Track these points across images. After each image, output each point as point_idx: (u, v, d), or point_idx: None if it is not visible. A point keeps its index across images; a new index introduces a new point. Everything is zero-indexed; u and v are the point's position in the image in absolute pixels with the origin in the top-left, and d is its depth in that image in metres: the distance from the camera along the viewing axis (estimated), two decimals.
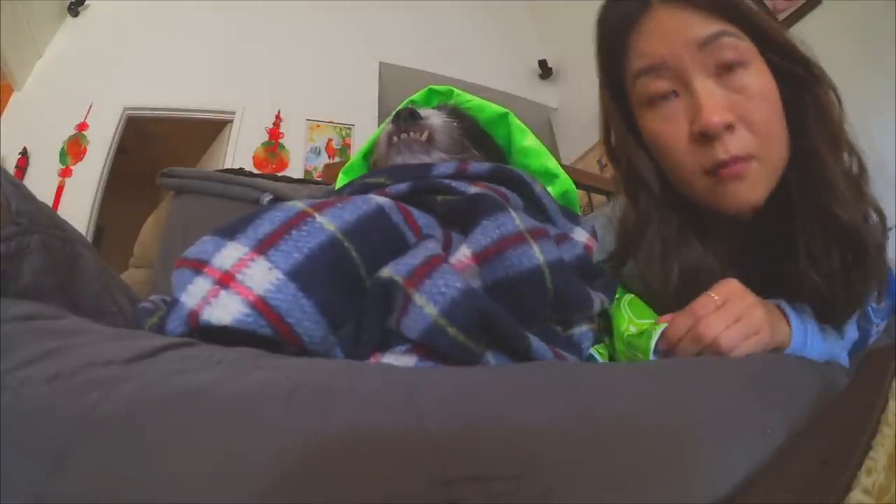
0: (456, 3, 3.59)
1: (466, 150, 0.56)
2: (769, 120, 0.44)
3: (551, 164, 0.58)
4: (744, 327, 0.40)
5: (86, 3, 2.84)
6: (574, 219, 0.52)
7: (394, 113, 0.57)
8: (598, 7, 0.50)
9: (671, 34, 0.43)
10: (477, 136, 0.59)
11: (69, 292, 0.39)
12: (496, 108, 0.61)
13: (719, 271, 0.48)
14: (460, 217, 0.40)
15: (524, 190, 0.48)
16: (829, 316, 0.48)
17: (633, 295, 0.51)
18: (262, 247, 0.31)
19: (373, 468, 0.18)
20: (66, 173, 2.55)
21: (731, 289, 0.42)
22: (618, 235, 0.53)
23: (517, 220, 0.38)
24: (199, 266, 0.32)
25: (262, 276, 0.30)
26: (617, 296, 0.51)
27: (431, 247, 0.36)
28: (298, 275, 0.30)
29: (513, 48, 3.69)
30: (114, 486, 0.16)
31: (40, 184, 2.36)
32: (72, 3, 2.80)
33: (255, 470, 0.17)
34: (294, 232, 0.32)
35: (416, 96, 0.65)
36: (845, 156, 0.47)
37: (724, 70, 0.43)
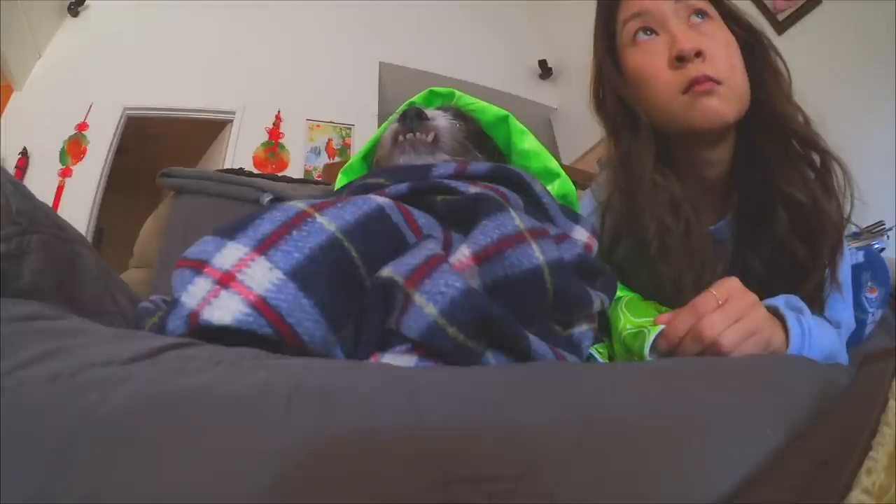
0: (456, 3, 3.59)
1: (469, 152, 0.57)
2: (731, 60, 0.53)
3: (552, 164, 0.58)
4: (744, 326, 0.42)
5: (86, 3, 2.84)
6: (574, 218, 0.53)
7: (397, 112, 0.57)
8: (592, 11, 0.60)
9: None
10: (479, 138, 0.60)
11: (69, 292, 0.39)
12: (497, 111, 0.61)
13: (700, 221, 0.55)
14: (460, 217, 0.40)
15: (524, 189, 0.48)
16: (807, 274, 0.54)
17: (631, 295, 0.52)
18: (263, 246, 0.31)
19: (372, 468, 0.18)
20: (66, 173, 2.55)
21: (731, 287, 0.44)
22: (610, 215, 0.60)
23: (517, 219, 0.37)
24: (199, 266, 0.32)
25: (263, 276, 0.30)
26: (619, 295, 0.51)
27: (431, 246, 0.36)
28: (299, 274, 0.30)
29: (513, 48, 3.69)
30: (114, 487, 0.16)
31: (40, 184, 2.36)
32: (72, 3, 2.80)
33: (255, 470, 0.17)
34: (294, 232, 0.32)
35: (416, 98, 0.65)
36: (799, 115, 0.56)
37: (695, 18, 0.53)
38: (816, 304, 0.55)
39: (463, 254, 0.37)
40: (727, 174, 0.59)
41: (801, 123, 0.55)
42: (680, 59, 0.51)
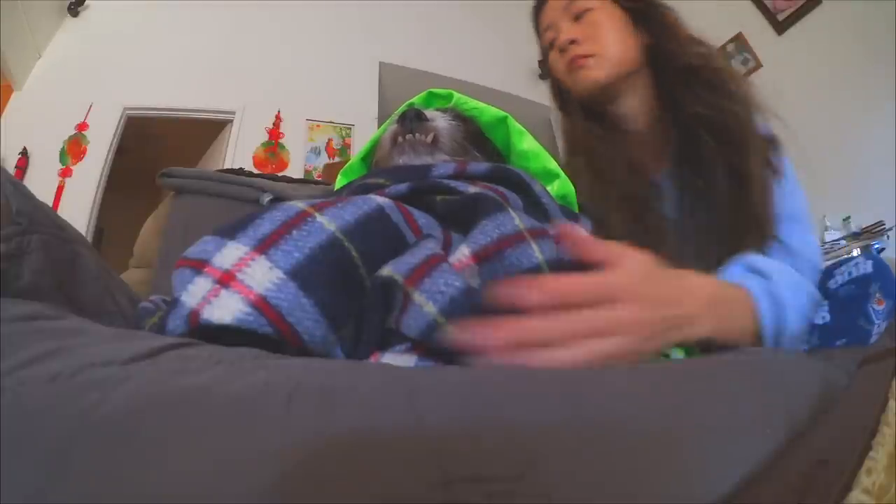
0: (456, 3, 3.59)
1: (469, 153, 0.57)
2: (607, 36, 0.69)
3: (551, 165, 0.58)
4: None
5: (86, 3, 2.84)
6: (574, 218, 0.53)
7: (397, 113, 0.57)
8: None
9: (550, 8, 0.75)
10: (478, 139, 0.60)
11: (69, 292, 0.39)
12: (495, 112, 0.61)
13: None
14: (460, 217, 0.40)
15: (524, 189, 0.48)
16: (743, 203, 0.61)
17: None
18: (263, 246, 0.31)
19: (372, 469, 0.18)
20: (66, 173, 2.55)
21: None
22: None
23: (517, 219, 0.37)
24: (199, 266, 0.32)
25: (263, 276, 0.30)
26: None
27: (431, 246, 0.36)
28: (299, 274, 0.30)
29: (513, 48, 3.69)
30: (114, 487, 0.16)
31: (40, 184, 2.37)
32: (72, 3, 2.80)
33: (254, 470, 0.17)
34: (294, 231, 0.32)
35: (415, 99, 0.65)
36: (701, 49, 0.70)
37: (578, 17, 0.71)
38: (767, 231, 0.61)
39: (463, 253, 0.37)
40: (658, 125, 0.71)
41: (694, 54, 0.67)
42: (562, 50, 0.71)
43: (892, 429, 0.22)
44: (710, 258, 0.58)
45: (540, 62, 0.91)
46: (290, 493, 0.16)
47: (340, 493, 0.17)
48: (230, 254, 0.31)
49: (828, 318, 0.59)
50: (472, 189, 0.42)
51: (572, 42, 0.70)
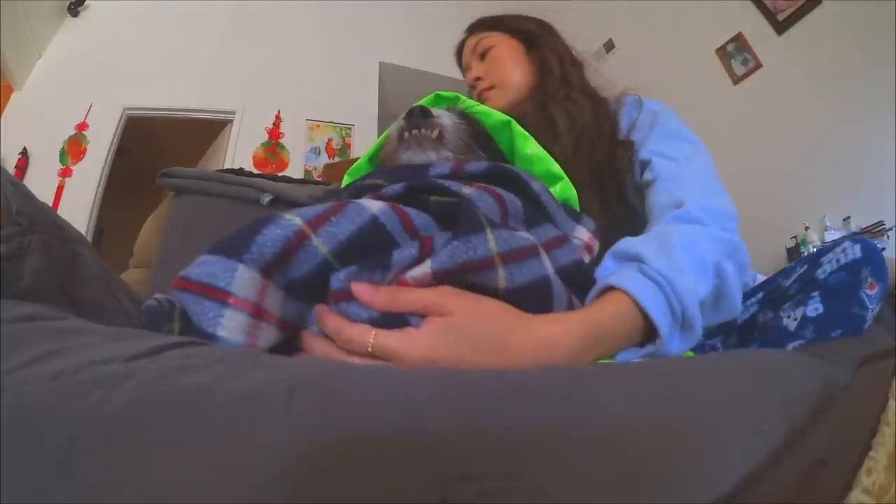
0: (456, 4, 3.59)
1: (473, 151, 0.57)
2: (506, 68, 0.81)
3: (554, 168, 0.58)
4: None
5: (86, 3, 2.85)
6: (576, 217, 0.53)
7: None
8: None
9: (466, 50, 0.89)
10: (483, 138, 0.60)
11: (70, 292, 0.39)
12: (500, 116, 0.62)
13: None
14: (452, 218, 0.41)
15: (522, 188, 0.48)
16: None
17: None
18: (269, 271, 0.34)
19: (369, 466, 0.18)
20: (66, 173, 2.56)
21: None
22: None
23: (491, 241, 0.37)
24: (216, 294, 0.33)
25: (280, 304, 0.36)
26: None
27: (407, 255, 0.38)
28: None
29: None
30: (116, 485, 0.16)
31: (40, 184, 2.37)
32: (72, 3, 2.80)
33: (255, 467, 0.17)
34: (293, 257, 0.35)
35: (423, 101, 0.65)
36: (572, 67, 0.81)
37: (482, 55, 0.85)
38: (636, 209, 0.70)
39: (424, 271, 0.37)
40: (547, 127, 0.79)
41: (549, 78, 0.79)
42: (472, 87, 0.86)
43: (892, 429, 0.22)
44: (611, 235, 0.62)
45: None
46: (289, 489, 0.16)
47: (338, 491, 0.17)
48: (247, 282, 0.34)
49: (821, 308, 0.58)
50: (465, 190, 0.42)
51: (478, 79, 0.84)
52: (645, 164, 0.70)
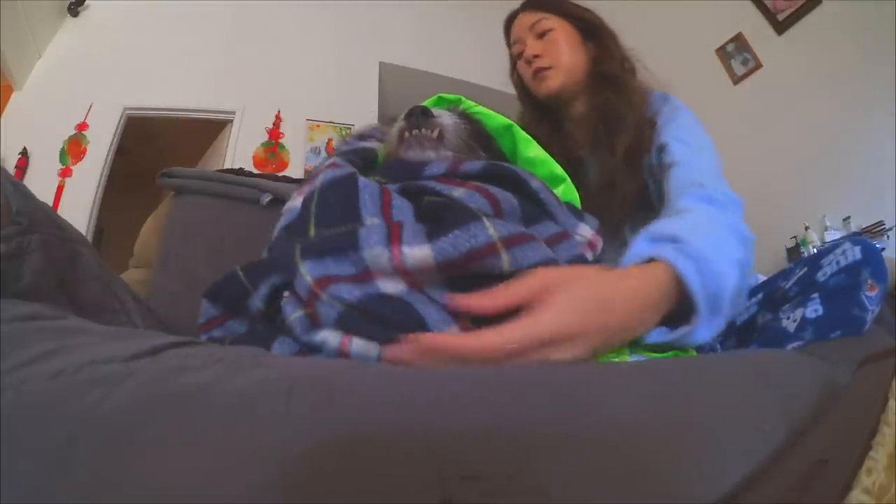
0: (456, 3, 3.59)
1: (474, 151, 0.57)
2: (562, 50, 0.87)
3: (557, 170, 0.58)
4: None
5: (86, 3, 2.84)
6: (579, 215, 0.53)
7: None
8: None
9: (519, 25, 0.92)
10: (484, 139, 0.60)
11: (70, 291, 0.39)
12: (502, 120, 0.62)
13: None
14: (440, 216, 0.41)
15: (519, 186, 0.48)
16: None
17: None
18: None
19: (370, 466, 0.18)
20: (66, 173, 2.55)
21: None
22: None
23: (490, 228, 0.38)
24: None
25: None
26: None
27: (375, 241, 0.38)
28: None
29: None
30: (116, 484, 0.16)
31: (40, 184, 2.36)
32: (72, 3, 2.80)
33: (254, 466, 0.17)
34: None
35: (426, 102, 0.65)
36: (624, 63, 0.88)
37: (541, 35, 0.89)
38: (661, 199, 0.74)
39: (426, 260, 0.37)
40: (586, 115, 0.88)
41: (613, 66, 0.86)
42: (528, 61, 0.89)
43: (892, 429, 0.22)
44: (623, 216, 0.79)
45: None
46: (289, 489, 0.16)
47: (338, 490, 0.17)
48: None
49: (820, 310, 0.58)
50: (457, 192, 0.43)
51: (536, 56, 0.88)
52: (662, 147, 0.77)
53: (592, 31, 0.90)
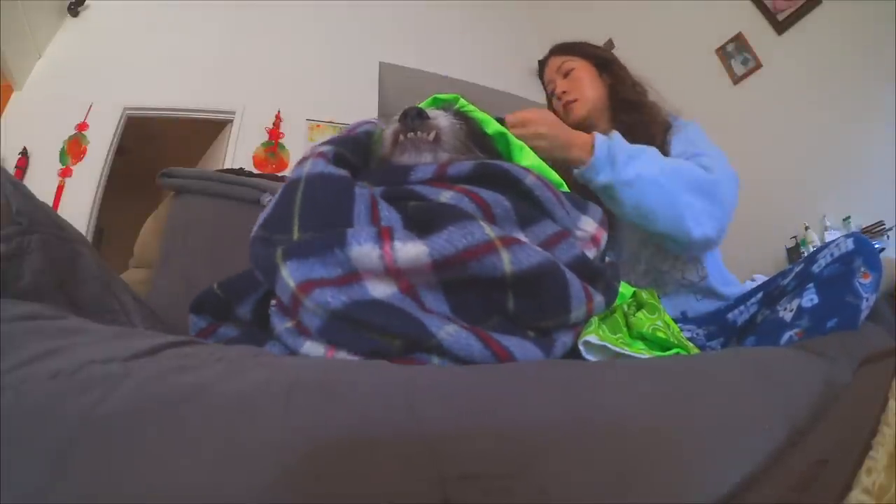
0: (456, 3, 3.59)
1: (471, 152, 0.56)
2: (584, 86, 1.06)
3: (552, 176, 0.57)
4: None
5: (86, 3, 2.84)
6: (582, 207, 0.51)
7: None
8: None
9: (549, 69, 1.12)
10: (480, 138, 0.59)
11: (70, 291, 0.39)
12: (496, 126, 0.61)
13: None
14: (424, 221, 0.40)
15: (513, 185, 0.46)
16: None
17: (616, 314, 0.50)
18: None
19: (370, 466, 0.18)
20: (66, 173, 2.55)
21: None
22: None
23: (486, 227, 0.37)
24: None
25: None
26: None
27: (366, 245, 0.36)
28: None
29: (513, 48, 3.69)
30: (115, 484, 0.16)
31: (40, 184, 2.36)
32: (72, 3, 2.79)
33: (254, 466, 0.17)
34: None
35: (422, 104, 0.65)
36: (636, 89, 1.07)
37: (566, 74, 1.08)
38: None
39: (421, 259, 0.35)
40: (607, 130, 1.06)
41: (628, 91, 1.05)
42: (558, 98, 1.08)
43: (892, 429, 0.22)
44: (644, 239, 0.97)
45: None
46: (289, 488, 0.16)
47: (338, 489, 0.17)
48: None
49: (816, 299, 0.59)
50: (444, 197, 0.42)
51: (564, 92, 1.08)
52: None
53: (606, 65, 1.09)
